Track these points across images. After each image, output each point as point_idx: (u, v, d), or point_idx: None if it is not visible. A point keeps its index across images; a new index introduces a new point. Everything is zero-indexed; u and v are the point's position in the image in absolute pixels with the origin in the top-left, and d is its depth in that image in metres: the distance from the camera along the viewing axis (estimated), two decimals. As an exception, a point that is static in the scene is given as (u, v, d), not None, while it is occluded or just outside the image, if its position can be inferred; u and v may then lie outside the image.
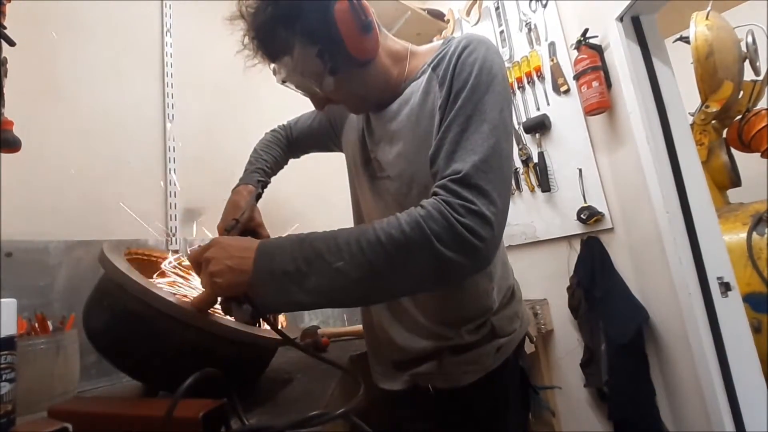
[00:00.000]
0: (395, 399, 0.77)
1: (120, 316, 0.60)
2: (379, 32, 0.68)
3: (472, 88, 0.59)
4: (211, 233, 1.35)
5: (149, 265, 0.82)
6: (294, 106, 1.03)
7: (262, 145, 1.00)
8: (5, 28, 0.79)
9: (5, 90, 0.80)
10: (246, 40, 0.66)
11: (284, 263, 0.52)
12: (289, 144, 1.03)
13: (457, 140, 0.56)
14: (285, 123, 1.06)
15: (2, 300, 0.50)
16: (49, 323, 0.80)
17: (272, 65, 0.68)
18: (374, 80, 0.70)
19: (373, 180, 0.77)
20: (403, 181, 0.69)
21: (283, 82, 0.69)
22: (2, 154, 0.82)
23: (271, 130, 1.05)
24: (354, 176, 0.86)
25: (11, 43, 0.79)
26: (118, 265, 0.59)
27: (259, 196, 0.91)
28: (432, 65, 0.67)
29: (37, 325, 0.78)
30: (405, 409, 0.77)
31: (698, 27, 1.94)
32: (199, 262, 0.56)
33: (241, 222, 0.82)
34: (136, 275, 0.58)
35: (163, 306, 0.56)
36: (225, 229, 0.82)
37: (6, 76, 0.80)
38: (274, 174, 0.99)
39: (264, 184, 0.94)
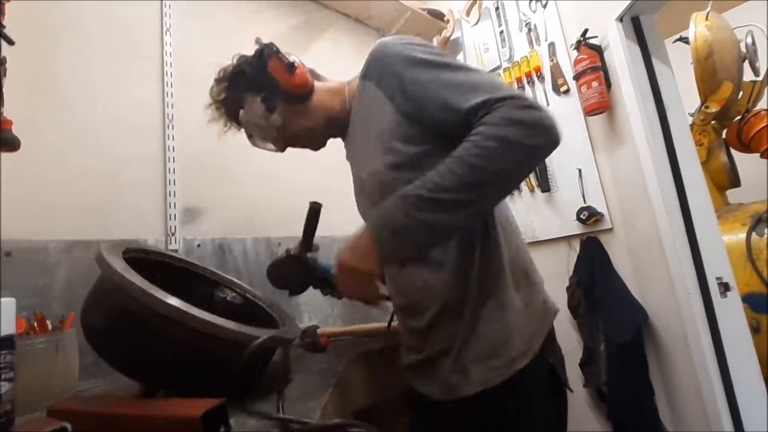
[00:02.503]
0: (413, 399, 0.76)
1: (117, 315, 0.60)
2: (313, 75, 0.85)
3: (405, 57, 0.68)
4: (210, 233, 1.35)
5: (149, 264, 0.82)
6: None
7: None
8: (5, 27, 0.79)
9: (5, 89, 0.80)
10: (216, 115, 0.88)
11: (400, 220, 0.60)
12: None
13: (445, 85, 0.64)
14: None
15: (1, 299, 0.50)
16: (48, 322, 0.80)
17: (241, 128, 0.88)
18: (317, 113, 0.83)
19: (369, 201, 0.79)
20: (378, 193, 0.72)
21: (250, 137, 0.88)
22: (2, 154, 0.82)
23: None
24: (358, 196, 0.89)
25: (10, 42, 0.79)
26: (116, 265, 0.59)
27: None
28: (361, 77, 0.75)
29: (36, 324, 0.78)
30: (421, 411, 0.76)
31: (698, 27, 1.95)
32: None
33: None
34: (133, 276, 0.58)
35: (160, 307, 0.56)
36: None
37: (5, 75, 0.80)
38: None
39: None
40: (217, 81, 0.88)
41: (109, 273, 0.59)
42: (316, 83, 0.84)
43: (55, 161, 1.09)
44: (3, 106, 0.79)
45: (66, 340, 0.76)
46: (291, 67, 0.78)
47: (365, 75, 0.73)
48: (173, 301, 0.57)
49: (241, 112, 0.82)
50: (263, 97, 0.80)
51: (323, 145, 0.90)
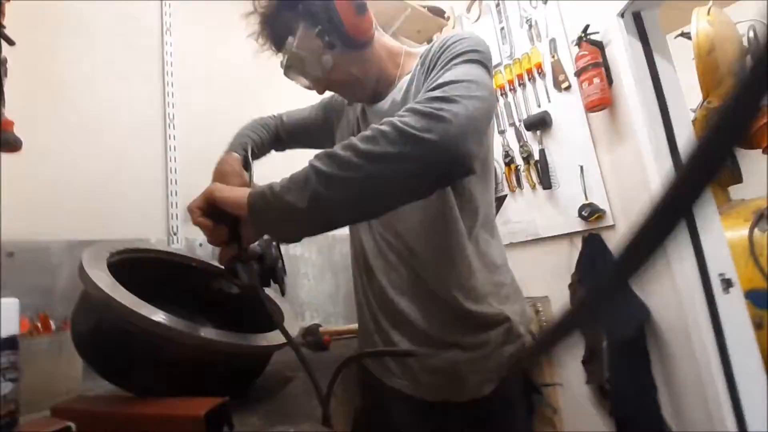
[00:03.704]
0: (397, 402, 0.73)
1: (101, 328, 0.59)
2: (374, 24, 0.74)
3: (453, 52, 0.62)
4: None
5: (139, 261, 0.80)
6: (295, 104, 1.03)
7: (249, 126, 0.96)
8: (5, 27, 0.79)
9: (5, 89, 0.80)
10: (257, 31, 0.76)
11: (275, 187, 0.53)
12: (278, 134, 0.99)
13: (432, 80, 0.58)
14: (275, 114, 1.02)
15: (5, 300, 0.50)
16: (52, 323, 0.80)
17: (279, 53, 0.76)
18: (369, 65, 0.75)
19: None
20: None
21: (288, 69, 0.75)
22: (3, 154, 0.82)
23: (260, 117, 1.00)
24: None
25: (11, 43, 0.79)
26: (97, 279, 0.57)
27: (246, 163, 0.86)
28: (420, 60, 0.71)
29: (39, 324, 0.79)
30: (405, 415, 0.73)
31: (700, 23, 1.94)
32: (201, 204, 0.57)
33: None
34: (115, 290, 0.56)
35: (144, 323, 0.54)
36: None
37: (6, 75, 0.81)
38: (257, 157, 0.94)
39: (254, 150, 0.90)
40: None
41: (92, 290, 0.57)
42: (376, 34, 0.75)
43: (56, 162, 1.09)
44: (4, 106, 0.80)
45: (69, 340, 0.76)
46: (361, 8, 0.69)
47: (423, 60, 0.70)
48: (158, 317, 0.55)
49: (290, 39, 0.71)
50: (320, 31, 0.70)
51: (362, 100, 0.82)
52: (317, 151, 0.55)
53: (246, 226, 0.56)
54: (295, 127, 1.00)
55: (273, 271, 0.66)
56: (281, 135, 1.00)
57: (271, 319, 0.57)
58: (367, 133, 0.51)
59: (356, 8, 0.69)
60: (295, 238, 0.57)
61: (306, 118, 0.99)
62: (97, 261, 0.64)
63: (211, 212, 0.56)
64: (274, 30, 0.74)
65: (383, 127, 0.50)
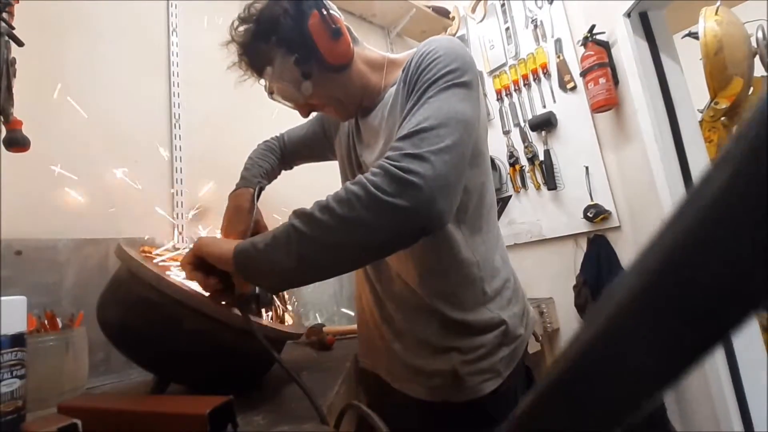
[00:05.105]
0: (399, 402, 0.74)
1: (133, 304, 0.61)
2: (353, 41, 0.74)
3: (427, 79, 0.61)
4: (217, 233, 1.36)
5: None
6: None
7: (257, 154, 1.00)
8: (14, 28, 0.79)
9: (14, 90, 0.81)
10: (237, 60, 0.76)
11: (259, 245, 0.56)
12: (284, 155, 1.03)
13: (408, 119, 0.58)
14: (278, 134, 1.06)
15: (13, 298, 0.51)
16: (59, 320, 0.81)
17: (261, 80, 0.77)
18: (352, 85, 0.75)
19: None
20: None
21: (271, 93, 0.77)
22: (12, 153, 0.83)
23: (264, 141, 1.05)
24: (347, 180, 0.87)
25: (20, 44, 0.80)
26: (134, 255, 0.62)
27: (257, 197, 0.93)
28: (403, 75, 0.70)
29: (46, 322, 0.79)
30: (407, 416, 0.73)
31: (707, 22, 1.92)
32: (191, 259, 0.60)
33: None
34: (150, 265, 0.61)
35: (174, 292, 0.57)
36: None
37: (15, 76, 0.81)
38: (269, 182, 1.00)
39: (262, 187, 0.95)
40: (242, 20, 0.74)
41: (128, 262, 0.61)
42: (356, 50, 0.74)
43: (63, 160, 1.10)
44: (13, 106, 0.81)
45: (76, 338, 0.77)
46: (336, 33, 0.68)
47: (405, 70, 0.68)
48: (189, 286, 0.59)
49: (269, 69, 0.72)
50: (297, 59, 0.70)
51: (351, 117, 0.82)
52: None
53: (236, 277, 0.58)
54: (298, 146, 1.04)
55: (269, 305, 0.70)
56: (286, 156, 1.04)
57: (271, 355, 0.59)
58: (342, 194, 0.53)
59: (331, 33, 0.68)
60: (282, 289, 0.64)
61: (306, 135, 1.02)
62: (131, 247, 0.67)
63: (202, 265, 0.59)
64: (253, 59, 0.75)
65: (356, 189, 0.52)
